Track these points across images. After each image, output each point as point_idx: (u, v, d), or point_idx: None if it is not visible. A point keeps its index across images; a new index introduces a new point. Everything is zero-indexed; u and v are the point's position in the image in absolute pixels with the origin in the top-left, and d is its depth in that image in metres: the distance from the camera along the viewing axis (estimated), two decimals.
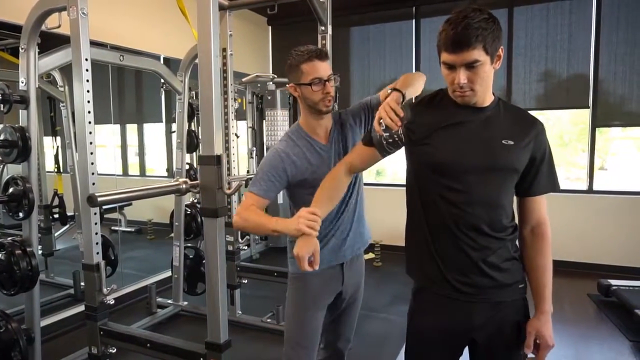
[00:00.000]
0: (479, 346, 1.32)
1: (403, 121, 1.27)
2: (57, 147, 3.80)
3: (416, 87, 1.49)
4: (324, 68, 1.51)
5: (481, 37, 1.12)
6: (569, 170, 4.94)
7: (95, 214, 2.07)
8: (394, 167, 5.57)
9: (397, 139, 1.31)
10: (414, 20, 5.04)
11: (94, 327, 2.10)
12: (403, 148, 1.36)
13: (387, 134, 1.30)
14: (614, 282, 3.60)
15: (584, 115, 4.53)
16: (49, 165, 3.81)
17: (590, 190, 4.47)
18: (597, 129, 4.42)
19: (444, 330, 1.32)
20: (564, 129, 5.00)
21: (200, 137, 4.09)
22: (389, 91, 1.38)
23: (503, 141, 1.23)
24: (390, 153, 1.37)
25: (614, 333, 3.09)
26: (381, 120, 1.29)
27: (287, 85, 1.56)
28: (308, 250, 1.29)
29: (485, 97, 1.25)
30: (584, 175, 4.52)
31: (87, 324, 2.14)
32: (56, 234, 3.90)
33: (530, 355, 1.30)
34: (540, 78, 4.59)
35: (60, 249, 3.96)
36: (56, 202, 3.77)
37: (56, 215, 3.79)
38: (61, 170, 3.84)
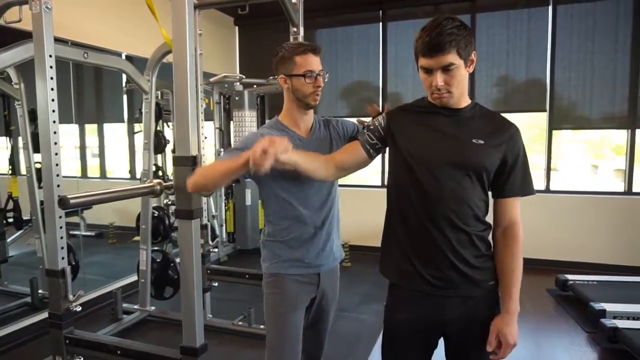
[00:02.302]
0: (450, 340, 1.38)
1: (383, 111, 1.37)
2: (12, 147, 3.61)
3: None
4: (317, 63, 1.51)
5: (454, 42, 1.21)
6: None
7: (60, 217, 1.98)
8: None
9: (377, 124, 1.40)
10: (380, 24, 5.13)
11: (59, 336, 2.01)
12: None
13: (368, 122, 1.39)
14: (570, 277, 3.79)
15: (538, 119, 4.75)
16: (3, 167, 3.61)
17: (547, 190, 4.70)
18: (553, 131, 4.66)
19: (417, 325, 1.36)
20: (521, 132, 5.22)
21: (166, 138, 3.99)
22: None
23: (473, 140, 1.29)
24: (371, 145, 1.41)
25: (571, 325, 3.26)
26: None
27: (277, 77, 1.55)
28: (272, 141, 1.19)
29: (461, 99, 1.32)
30: (540, 175, 4.74)
31: (51, 332, 2.03)
32: (9, 239, 3.69)
33: (493, 353, 1.33)
34: (501, 82, 4.78)
35: (14, 255, 3.76)
36: (10, 205, 3.58)
37: (10, 220, 3.60)
38: (16, 172, 3.64)
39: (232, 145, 1.53)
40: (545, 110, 4.62)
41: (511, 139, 1.32)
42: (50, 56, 1.96)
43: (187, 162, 1.73)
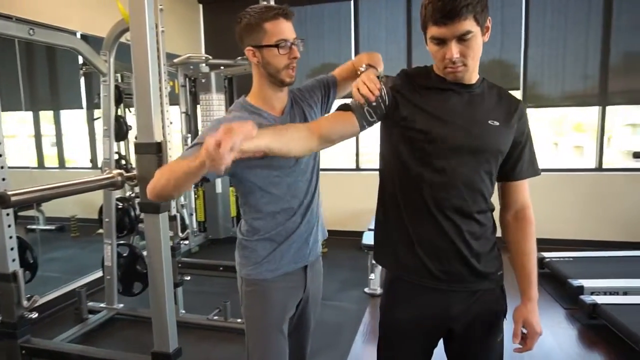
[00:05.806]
0: (455, 336, 1.27)
1: (387, 85, 1.17)
2: None
3: (382, 66, 1.37)
4: (290, 29, 1.29)
5: (471, 6, 1.05)
6: None
7: (8, 215, 1.76)
8: (332, 151, 5.51)
9: (380, 101, 1.17)
10: (352, 2, 4.95)
11: (14, 346, 1.82)
12: (378, 125, 1.24)
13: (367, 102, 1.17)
14: (546, 254, 3.81)
15: None
16: None
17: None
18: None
19: (420, 322, 1.24)
20: None
21: (128, 123, 3.73)
22: (363, 67, 1.27)
23: (489, 122, 1.17)
24: (369, 122, 1.20)
25: (550, 302, 3.27)
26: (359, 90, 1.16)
27: (244, 49, 1.31)
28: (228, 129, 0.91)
29: (474, 73, 1.18)
30: None
31: (5, 343, 1.84)
32: None
33: (517, 345, 1.26)
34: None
35: None
36: None
37: None
38: None
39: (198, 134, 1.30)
40: (518, 89, 4.60)
41: (521, 118, 1.23)
42: None
43: (151, 150, 1.55)
